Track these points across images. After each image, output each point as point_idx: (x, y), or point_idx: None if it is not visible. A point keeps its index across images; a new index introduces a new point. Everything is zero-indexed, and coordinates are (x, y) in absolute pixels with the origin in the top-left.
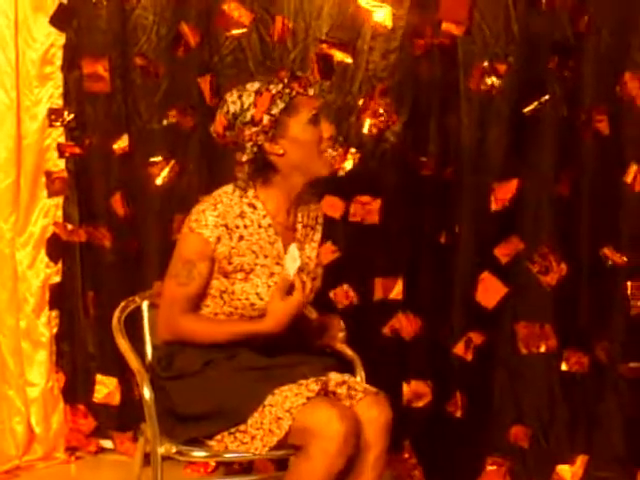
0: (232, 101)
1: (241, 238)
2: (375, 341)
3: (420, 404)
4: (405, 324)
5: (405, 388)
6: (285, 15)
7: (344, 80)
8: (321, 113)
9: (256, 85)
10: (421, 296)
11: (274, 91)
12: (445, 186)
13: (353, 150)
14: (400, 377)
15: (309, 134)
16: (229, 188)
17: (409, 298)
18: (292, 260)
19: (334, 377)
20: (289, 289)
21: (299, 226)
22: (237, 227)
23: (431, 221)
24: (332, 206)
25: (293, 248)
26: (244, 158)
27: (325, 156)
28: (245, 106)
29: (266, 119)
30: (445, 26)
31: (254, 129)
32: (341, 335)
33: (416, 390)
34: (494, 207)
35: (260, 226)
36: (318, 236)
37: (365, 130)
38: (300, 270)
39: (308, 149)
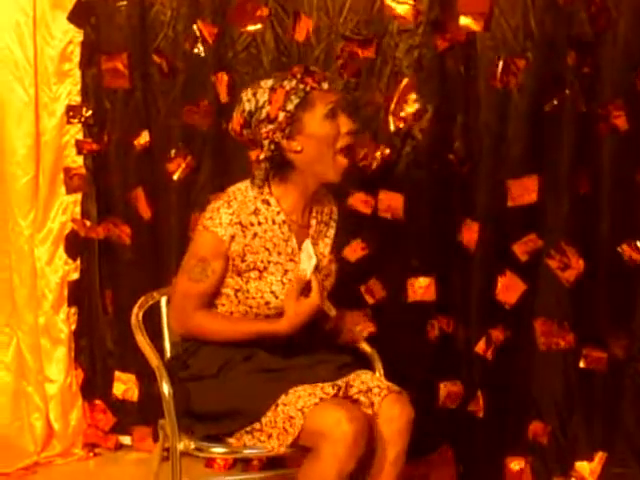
0: (247, 99)
1: (255, 236)
2: (405, 340)
3: (453, 405)
4: (439, 324)
5: (442, 389)
6: (305, 11)
7: (370, 77)
8: (339, 107)
9: (270, 82)
10: (449, 296)
11: (288, 87)
12: (467, 183)
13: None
14: (432, 377)
15: (326, 129)
16: (242, 185)
17: (441, 298)
18: (307, 257)
19: (354, 382)
20: (305, 288)
21: (313, 222)
22: (251, 224)
23: (453, 218)
24: (363, 202)
25: (308, 244)
26: (262, 156)
27: (338, 164)
28: (260, 104)
29: (282, 116)
30: (464, 21)
31: (270, 126)
32: (358, 328)
33: (450, 390)
34: (511, 204)
35: (274, 222)
36: (332, 232)
37: (392, 127)
38: (315, 268)
39: (324, 146)
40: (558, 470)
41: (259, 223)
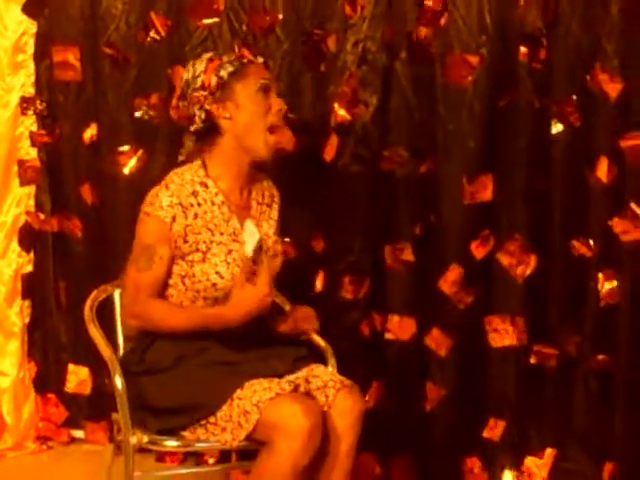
0: (186, 69)
1: (196, 216)
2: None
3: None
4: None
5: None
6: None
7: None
8: (272, 85)
9: (210, 54)
10: (391, 293)
11: (225, 59)
12: (421, 180)
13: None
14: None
15: (257, 102)
16: (179, 170)
17: (375, 296)
18: (250, 235)
19: (309, 375)
20: (253, 274)
21: (254, 203)
22: (191, 205)
23: (407, 215)
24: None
25: (249, 223)
26: (192, 127)
27: (268, 140)
28: (197, 73)
29: (214, 81)
30: (427, 16)
31: (203, 92)
32: (314, 323)
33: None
34: (466, 201)
35: (213, 203)
36: (275, 214)
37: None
38: (260, 247)
39: (254, 117)
40: (509, 465)
41: (198, 204)
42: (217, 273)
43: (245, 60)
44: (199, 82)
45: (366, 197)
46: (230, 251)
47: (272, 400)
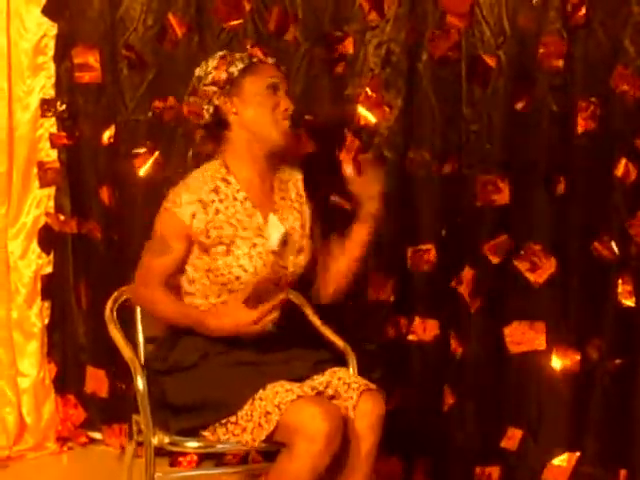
0: (200, 66)
1: (217, 211)
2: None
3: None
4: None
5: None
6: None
7: (349, 73)
8: (284, 87)
9: (223, 52)
10: (416, 296)
11: (237, 56)
12: (436, 181)
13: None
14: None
15: (264, 98)
16: (201, 168)
17: (399, 298)
18: (275, 228)
19: (332, 378)
20: (257, 296)
21: (276, 198)
22: (212, 201)
23: (431, 216)
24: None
25: (273, 217)
26: (202, 122)
27: (280, 125)
28: (209, 69)
29: (224, 76)
30: (449, 18)
31: (212, 88)
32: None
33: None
34: (480, 203)
35: (235, 199)
36: (305, 208)
37: (361, 121)
38: (285, 243)
39: (260, 112)
40: (528, 470)
41: (220, 200)
42: (240, 266)
43: (255, 59)
44: (210, 78)
45: (392, 199)
46: (254, 245)
47: (293, 402)
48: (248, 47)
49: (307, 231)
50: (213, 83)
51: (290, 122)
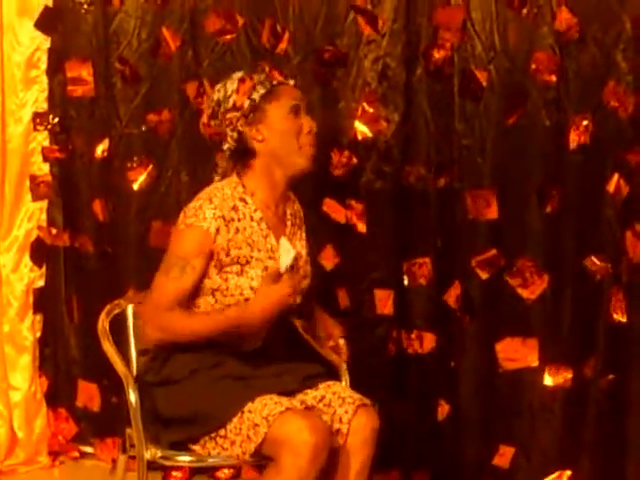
0: (217, 89)
1: (237, 230)
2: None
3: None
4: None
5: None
6: (279, 20)
7: (342, 87)
8: (303, 106)
9: (240, 74)
10: (411, 309)
11: (256, 79)
12: (430, 195)
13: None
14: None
15: (288, 123)
16: (219, 184)
17: (397, 312)
18: (285, 251)
19: (326, 392)
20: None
21: (288, 223)
22: (232, 220)
23: (427, 230)
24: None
25: (284, 240)
26: (225, 146)
27: (305, 150)
28: (228, 93)
29: (246, 103)
30: (441, 33)
31: (235, 114)
32: (342, 342)
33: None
34: (471, 216)
35: (252, 219)
36: (304, 234)
37: (358, 136)
38: (292, 267)
39: (287, 138)
40: None
41: (239, 219)
42: (251, 288)
43: (276, 82)
44: (231, 102)
45: (390, 213)
46: (266, 267)
47: (281, 414)
48: (266, 69)
49: (309, 259)
50: (235, 109)
51: (314, 146)
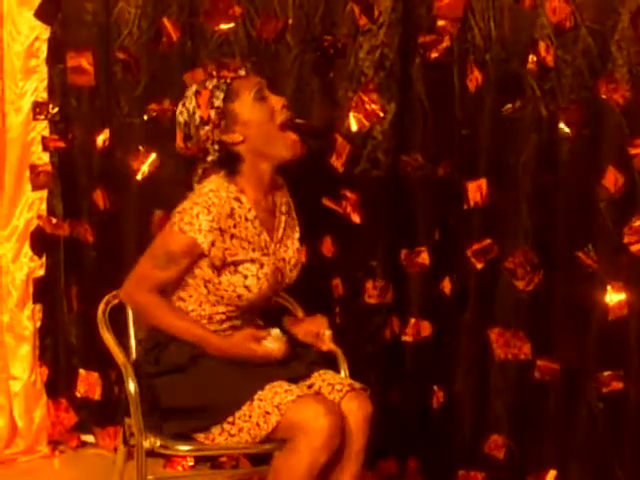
0: (180, 112)
1: (232, 237)
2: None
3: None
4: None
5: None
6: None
7: (338, 77)
8: (264, 88)
9: (194, 87)
10: (408, 297)
11: (210, 86)
12: (427, 185)
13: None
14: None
15: (260, 111)
16: (213, 186)
17: (395, 300)
18: (276, 341)
19: (313, 380)
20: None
21: (283, 218)
22: (229, 227)
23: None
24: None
25: (275, 330)
26: (209, 158)
27: (286, 137)
28: (191, 111)
29: (213, 113)
30: (440, 23)
31: (207, 127)
32: (327, 334)
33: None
34: (466, 207)
35: (247, 219)
36: (297, 225)
37: (353, 127)
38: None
39: (264, 127)
40: None
41: (234, 225)
42: (246, 287)
43: (229, 80)
44: (197, 119)
45: (386, 202)
46: (262, 265)
47: (294, 402)
48: (214, 73)
49: (302, 245)
50: (204, 123)
51: (294, 128)
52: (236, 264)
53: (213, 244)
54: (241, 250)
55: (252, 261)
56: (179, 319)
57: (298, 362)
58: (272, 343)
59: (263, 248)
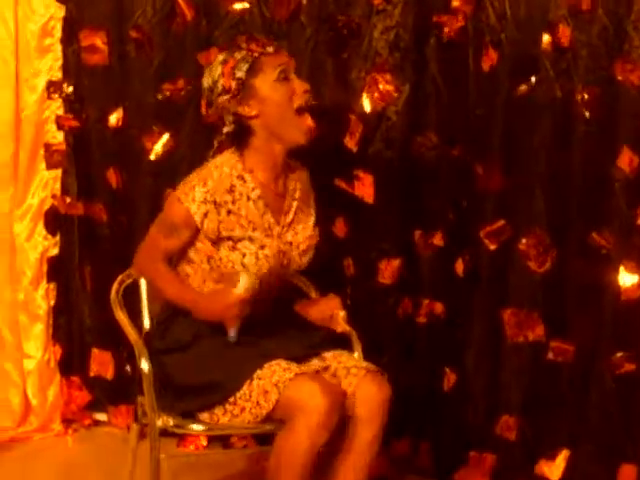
0: (205, 77)
1: (229, 212)
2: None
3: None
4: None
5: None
6: None
7: (354, 57)
8: (290, 70)
9: (222, 56)
10: (422, 278)
11: (238, 57)
12: (440, 166)
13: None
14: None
15: (279, 91)
16: (218, 161)
17: (408, 281)
18: (246, 279)
19: (332, 362)
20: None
21: (294, 203)
22: (225, 202)
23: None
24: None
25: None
26: (225, 129)
27: (301, 122)
28: (215, 78)
29: (234, 84)
30: (454, 3)
31: (226, 97)
32: (342, 315)
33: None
34: (480, 187)
35: (249, 198)
36: (312, 212)
37: (367, 108)
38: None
39: (281, 107)
40: (522, 466)
41: (233, 201)
42: (243, 264)
43: (257, 54)
44: (220, 87)
45: (399, 183)
46: (263, 246)
47: (292, 380)
48: (243, 44)
49: (316, 232)
50: (224, 92)
51: (310, 113)
52: (234, 240)
53: (206, 215)
54: (238, 227)
55: (251, 239)
56: (172, 285)
57: (296, 343)
58: (243, 280)
59: (266, 229)
